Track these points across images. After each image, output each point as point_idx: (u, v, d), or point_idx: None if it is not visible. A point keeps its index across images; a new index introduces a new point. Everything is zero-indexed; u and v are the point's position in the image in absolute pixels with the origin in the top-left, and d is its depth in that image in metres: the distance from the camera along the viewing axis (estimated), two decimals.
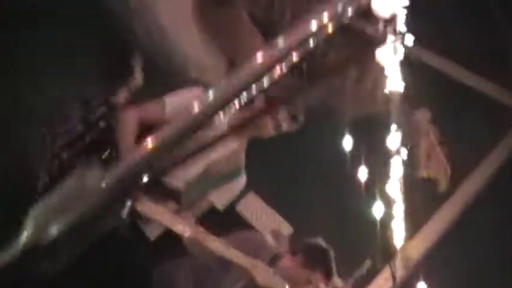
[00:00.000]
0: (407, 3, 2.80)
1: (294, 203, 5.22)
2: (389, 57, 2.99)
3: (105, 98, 5.01)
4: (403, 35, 2.98)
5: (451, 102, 5.16)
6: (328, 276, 3.21)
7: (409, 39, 3.03)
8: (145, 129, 3.20)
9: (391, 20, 2.85)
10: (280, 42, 1.63)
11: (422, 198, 4.82)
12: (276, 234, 4.28)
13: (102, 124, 4.31)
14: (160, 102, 3.26)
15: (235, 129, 3.16)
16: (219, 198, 3.20)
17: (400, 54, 3.06)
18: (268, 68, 1.58)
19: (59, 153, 3.93)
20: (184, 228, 2.80)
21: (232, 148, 3.04)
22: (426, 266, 5.13)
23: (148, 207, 2.79)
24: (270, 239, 3.55)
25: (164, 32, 3.07)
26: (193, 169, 3.05)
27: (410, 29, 3.00)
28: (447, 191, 5.37)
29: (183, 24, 2.92)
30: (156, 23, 3.00)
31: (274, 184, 5.40)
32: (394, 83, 3.05)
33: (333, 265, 3.25)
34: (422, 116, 3.23)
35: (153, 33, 3.07)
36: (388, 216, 4.69)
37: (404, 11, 2.90)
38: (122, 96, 5.62)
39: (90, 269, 2.90)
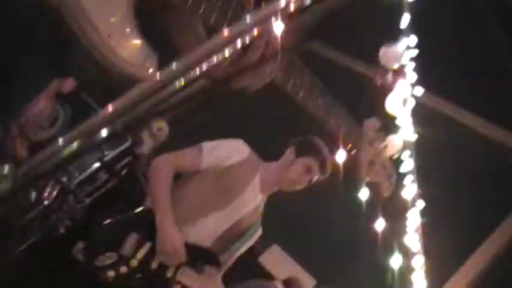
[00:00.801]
0: (415, 54, 2.87)
1: (314, 254, 5.21)
2: (399, 107, 3.06)
3: (131, 148, 5.13)
4: (412, 85, 3.06)
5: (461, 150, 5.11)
6: None
7: (419, 90, 3.10)
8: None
9: (400, 71, 2.93)
10: (244, 21, 1.73)
11: (443, 252, 4.78)
12: (291, 283, 4.26)
13: (124, 172, 4.41)
14: (198, 150, 2.99)
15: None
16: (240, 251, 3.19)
17: (410, 104, 3.13)
18: (229, 43, 1.68)
19: (82, 200, 4.01)
20: None
21: (258, 203, 3.07)
22: None
23: (190, 278, 2.75)
24: None
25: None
26: (220, 227, 3.04)
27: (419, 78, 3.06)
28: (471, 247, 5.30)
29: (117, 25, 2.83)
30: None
31: (295, 236, 5.42)
32: (405, 131, 3.10)
33: None
34: (370, 124, 3.32)
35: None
36: (407, 270, 4.67)
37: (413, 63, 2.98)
38: (147, 146, 5.75)
39: None
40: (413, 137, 3.25)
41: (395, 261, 4.12)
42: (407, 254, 4.38)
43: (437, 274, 5.01)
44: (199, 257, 2.82)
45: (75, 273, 3.34)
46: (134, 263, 2.66)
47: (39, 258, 3.96)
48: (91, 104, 5.90)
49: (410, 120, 3.19)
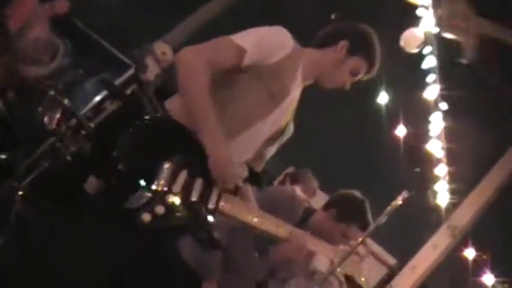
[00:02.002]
0: None
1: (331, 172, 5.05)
2: None
3: (135, 75, 4.95)
4: None
5: None
6: (364, 228, 2.79)
7: None
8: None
9: None
10: None
11: (468, 160, 4.60)
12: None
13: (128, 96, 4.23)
14: (235, 42, 2.28)
15: None
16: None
17: None
18: None
19: (86, 125, 3.84)
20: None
21: (297, 98, 2.51)
22: (473, 232, 4.93)
23: (233, 205, 2.21)
24: (300, 194, 3.32)
25: None
26: (263, 137, 2.51)
27: None
28: (494, 156, 5.11)
29: None
30: None
31: (310, 156, 5.25)
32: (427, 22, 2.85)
33: (369, 216, 3.05)
34: None
35: None
36: (432, 178, 4.51)
37: None
38: (152, 72, 5.55)
39: None
40: (435, 29, 2.99)
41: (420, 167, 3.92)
42: (430, 162, 4.21)
43: (462, 183, 4.89)
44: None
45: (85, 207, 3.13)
46: (171, 198, 2.13)
47: (46, 191, 3.79)
48: (83, 28, 5.68)
49: (431, 10, 2.93)
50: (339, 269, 3.56)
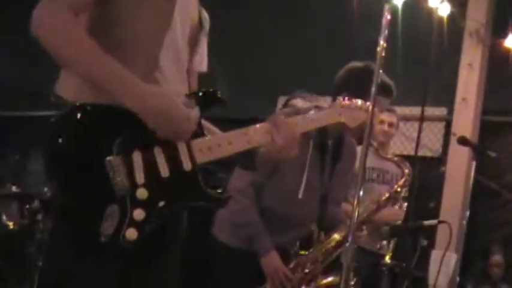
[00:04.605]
0: None
1: None
2: None
3: None
4: None
5: None
6: (385, 91, 2.53)
7: None
8: None
9: None
10: None
11: None
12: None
13: None
14: None
15: None
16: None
17: None
18: None
19: None
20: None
21: None
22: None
23: (208, 149, 1.85)
24: (302, 104, 3.07)
25: None
26: (183, 42, 1.92)
27: None
28: None
29: None
30: None
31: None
32: None
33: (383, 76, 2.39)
34: None
35: None
36: None
37: None
38: None
39: None
40: None
41: None
42: None
43: None
44: (206, 106, 1.91)
45: None
46: (143, 193, 1.73)
47: None
48: None
49: None
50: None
